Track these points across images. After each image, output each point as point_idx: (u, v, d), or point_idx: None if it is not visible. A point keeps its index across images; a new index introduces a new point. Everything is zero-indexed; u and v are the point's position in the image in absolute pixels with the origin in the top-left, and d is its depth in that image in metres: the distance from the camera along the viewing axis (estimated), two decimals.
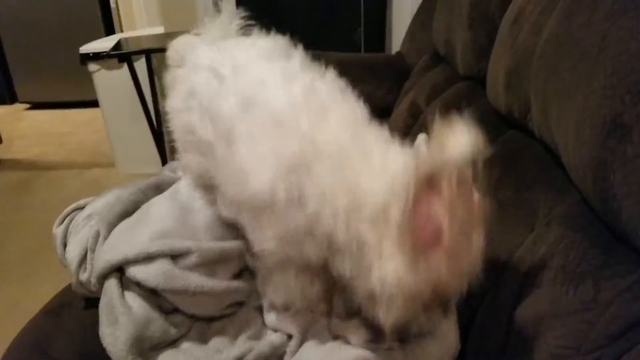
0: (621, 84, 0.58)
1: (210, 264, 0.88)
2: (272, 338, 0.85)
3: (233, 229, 0.95)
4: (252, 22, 1.12)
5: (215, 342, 0.88)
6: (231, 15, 1.13)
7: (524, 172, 0.90)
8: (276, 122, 0.74)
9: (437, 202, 0.57)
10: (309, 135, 0.71)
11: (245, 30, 1.11)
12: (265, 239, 0.77)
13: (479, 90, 1.27)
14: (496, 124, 1.11)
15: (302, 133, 0.72)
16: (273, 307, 0.89)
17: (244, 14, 1.12)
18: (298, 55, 0.91)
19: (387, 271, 0.61)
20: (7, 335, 0.92)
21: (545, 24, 0.86)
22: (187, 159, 0.97)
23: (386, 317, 0.65)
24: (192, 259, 0.86)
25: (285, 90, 0.78)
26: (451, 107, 1.32)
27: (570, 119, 0.70)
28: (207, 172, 0.88)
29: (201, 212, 0.95)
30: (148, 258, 0.85)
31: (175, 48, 1.09)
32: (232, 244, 0.92)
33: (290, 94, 0.77)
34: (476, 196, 0.61)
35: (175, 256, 0.86)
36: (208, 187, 0.93)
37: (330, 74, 0.87)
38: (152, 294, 0.86)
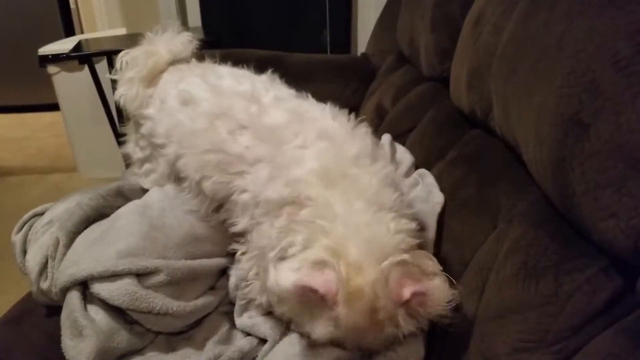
0: (578, 83, 0.60)
1: (178, 283, 0.87)
2: (241, 343, 0.84)
3: (207, 246, 0.93)
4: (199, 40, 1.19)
5: (184, 349, 0.86)
6: (177, 32, 1.15)
7: (487, 170, 0.92)
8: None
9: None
10: None
11: (190, 46, 1.14)
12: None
13: (443, 90, 1.29)
14: (459, 124, 1.12)
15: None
16: (251, 309, 0.88)
17: (190, 34, 1.18)
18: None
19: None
20: None
21: (505, 25, 0.87)
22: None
23: None
24: (160, 278, 0.84)
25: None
26: (415, 108, 1.33)
27: (530, 118, 0.71)
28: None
29: (173, 229, 0.93)
30: (113, 275, 0.83)
31: (144, 59, 1.10)
32: (202, 263, 0.91)
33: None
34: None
35: (141, 274, 0.84)
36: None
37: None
38: (116, 307, 0.84)
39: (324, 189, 0.79)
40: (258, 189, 0.85)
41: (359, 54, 2.16)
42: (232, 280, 0.92)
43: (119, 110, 2.49)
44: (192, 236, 0.93)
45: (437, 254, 0.88)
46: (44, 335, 0.89)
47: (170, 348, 0.87)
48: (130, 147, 1.16)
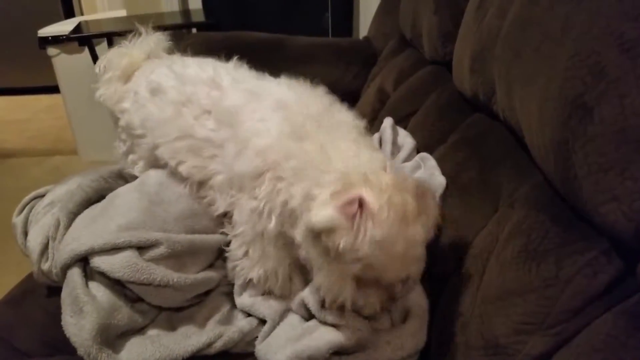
0: (583, 65, 0.60)
1: (179, 256, 0.87)
2: (241, 324, 0.85)
3: (205, 221, 0.94)
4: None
5: (184, 328, 0.87)
6: (154, 37, 1.18)
7: (489, 154, 0.92)
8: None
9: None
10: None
11: (162, 44, 1.19)
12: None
13: (445, 74, 1.28)
14: (461, 108, 1.12)
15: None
16: (250, 288, 0.89)
17: (162, 34, 1.20)
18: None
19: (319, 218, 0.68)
20: None
21: (509, 8, 0.87)
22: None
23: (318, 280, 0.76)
24: (160, 250, 0.85)
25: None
26: (417, 92, 1.33)
27: (533, 101, 0.71)
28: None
29: (171, 204, 0.94)
30: (114, 249, 0.83)
31: (118, 59, 1.13)
32: (202, 238, 0.91)
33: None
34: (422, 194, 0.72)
35: (142, 247, 0.85)
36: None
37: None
38: (117, 283, 0.85)
39: (300, 143, 0.81)
40: (228, 168, 0.87)
41: (360, 37, 2.14)
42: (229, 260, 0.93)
43: None
44: (191, 211, 0.94)
45: (438, 237, 0.88)
46: (45, 315, 0.89)
47: (171, 327, 0.87)
48: (116, 143, 1.18)
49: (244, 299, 0.88)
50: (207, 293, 0.93)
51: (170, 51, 1.21)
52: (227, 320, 0.87)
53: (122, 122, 1.09)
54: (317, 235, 0.69)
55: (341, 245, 0.67)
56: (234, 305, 0.90)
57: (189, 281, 0.86)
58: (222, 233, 0.93)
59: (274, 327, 0.83)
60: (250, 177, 0.83)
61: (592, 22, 0.60)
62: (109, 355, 0.77)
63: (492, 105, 0.95)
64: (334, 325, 0.78)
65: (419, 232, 0.71)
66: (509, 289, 0.67)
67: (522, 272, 0.65)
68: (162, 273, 0.83)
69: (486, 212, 0.83)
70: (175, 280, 0.84)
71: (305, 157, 0.79)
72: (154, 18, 2.61)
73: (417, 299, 0.84)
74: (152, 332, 0.85)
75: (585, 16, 0.62)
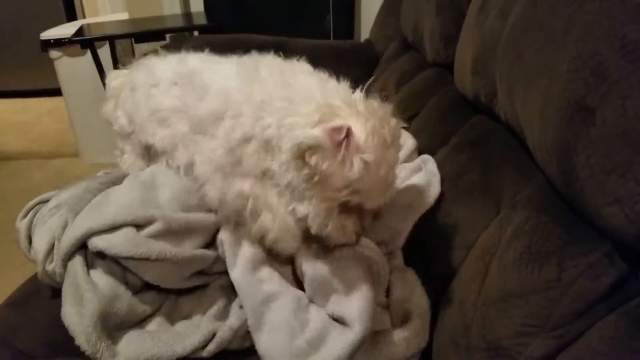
0: (585, 67, 0.59)
1: (176, 233, 0.89)
2: (231, 321, 0.84)
3: (200, 201, 0.95)
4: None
5: (182, 324, 0.88)
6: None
7: (490, 156, 0.92)
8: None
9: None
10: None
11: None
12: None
13: (447, 76, 1.28)
14: (463, 110, 1.12)
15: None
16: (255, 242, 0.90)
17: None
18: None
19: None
20: None
21: (511, 10, 0.87)
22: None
23: (305, 209, 0.80)
24: (157, 227, 0.86)
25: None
26: (419, 94, 1.33)
27: (535, 103, 0.71)
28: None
29: (165, 187, 0.96)
30: (112, 228, 0.85)
31: (109, 80, 1.22)
32: (198, 216, 0.92)
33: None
34: (393, 122, 0.79)
35: (139, 226, 0.86)
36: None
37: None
38: (118, 270, 0.86)
39: (259, 82, 0.88)
40: (190, 117, 0.94)
41: (362, 40, 2.14)
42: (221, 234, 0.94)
43: None
44: (185, 188, 0.96)
45: (440, 238, 0.88)
46: (48, 317, 0.89)
47: (170, 323, 0.88)
48: (116, 152, 1.24)
49: (236, 273, 0.88)
50: (205, 287, 0.94)
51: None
52: (223, 316, 0.88)
53: (116, 128, 1.17)
54: (301, 156, 0.74)
55: (324, 168, 0.72)
56: (229, 301, 0.91)
57: (187, 255, 0.87)
58: None
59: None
60: (211, 119, 0.89)
61: (594, 23, 0.60)
62: (107, 345, 0.77)
63: (494, 107, 0.95)
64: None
65: (395, 156, 0.80)
66: (511, 291, 0.66)
67: (525, 274, 0.65)
68: (159, 247, 0.84)
69: (488, 214, 0.83)
70: (172, 253, 0.85)
71: (269, 92, 0.85)
72: (155, 21, 2.64)
73: (418, 299, 0.84)
74: (151, 326, 0.86)
75: (588, 18, 0.62)
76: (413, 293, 0.86)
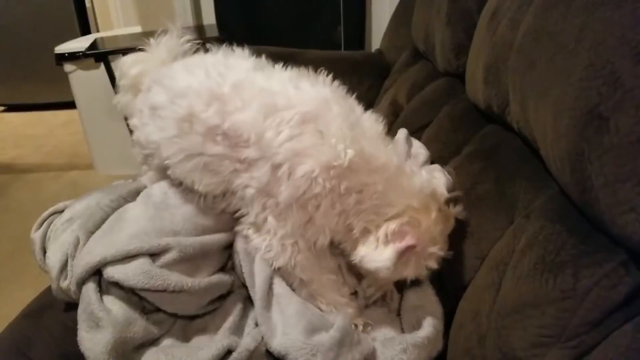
0: (598, 76, 0.59)
1: (191, 259, 0.88)
2: (247, 342, 0.82)
3: (212, 217, 0.94)
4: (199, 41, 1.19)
5: (197, 339, 0.87)
6: (179, 35, 1.16)
7: (504, 165, 0.91)
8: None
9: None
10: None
11: (194, 49, 1.16)
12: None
13: (459, 86, 1.28)
14: (475, 119, 1.12)
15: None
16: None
17: (189, 36, 1.19)
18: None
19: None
20: None
21: (522, 19, 0.87)
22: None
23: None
24: (172, 255, 0.85)
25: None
26: (431, 104, 1.33)
27: (548, 112, 0.71)
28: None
29: (178, 208, 0.95)
30: (127, 257, 0.84)
31: (128, 67, 1.11)
32: (212, 238, 0.92)
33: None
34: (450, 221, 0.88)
35: (154, 254, 0.85)
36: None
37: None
38: (132, 295, 0.85)
39: (356, 174, 0.85)
40: (261, 184, 0.85)
41: (373, 50, 2.15)
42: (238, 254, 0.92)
43: None
44: (197, 209, 0.94)
45: (454, 248, 0.88)
46: (63, 329, 0.90)
47: (185, 339, 0.87)
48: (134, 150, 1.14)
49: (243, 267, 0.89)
50: (220, 300, 0.93)
51: (192, 52, 1.17)
52: (238, 329, 0.87)
53: (134, 137, 1.07)
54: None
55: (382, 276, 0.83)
56: (245, 314, 0.90)
57: (203, 284, 0.86)
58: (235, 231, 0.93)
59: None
60: (298, 203, 0.82)
61: (606, 32, 0.60)
62: None
63: (506, 116, 0.95)
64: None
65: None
66: (525, 301, 0.66)
67: (539, 284, 0.65)
68: (176, 278, 0.83)
69: (502, 223, 0.83)
70: (190, 284, 0.84)
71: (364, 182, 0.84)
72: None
73: (432, 307, 0.84)
74: (166, 342, 0.85)
75: (600, 26, 0.62)
76: (426, 301, 0.85)
